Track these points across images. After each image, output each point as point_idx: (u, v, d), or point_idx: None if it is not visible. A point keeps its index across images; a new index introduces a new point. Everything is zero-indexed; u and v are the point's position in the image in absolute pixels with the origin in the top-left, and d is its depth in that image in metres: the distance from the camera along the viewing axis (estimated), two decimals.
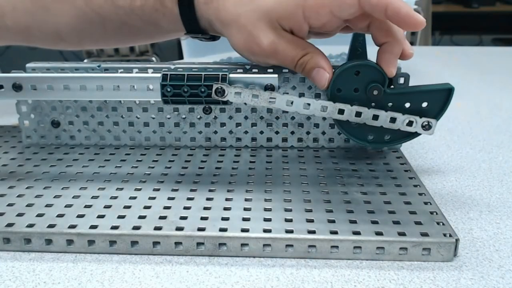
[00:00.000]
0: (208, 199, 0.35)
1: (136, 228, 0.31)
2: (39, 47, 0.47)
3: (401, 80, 0.41)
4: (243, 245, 0.31)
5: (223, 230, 0.31)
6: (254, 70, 0.41)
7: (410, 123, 0.38)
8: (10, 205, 0.34)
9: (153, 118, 0.44)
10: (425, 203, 0.35)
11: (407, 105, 0.39)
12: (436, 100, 0.38)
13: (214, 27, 0.39)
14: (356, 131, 0.40)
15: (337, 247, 0.31)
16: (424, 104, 0.39)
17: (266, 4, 0.36)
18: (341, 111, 0.38)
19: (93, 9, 0.42)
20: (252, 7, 0.37)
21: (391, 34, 0.36)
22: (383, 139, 0.40)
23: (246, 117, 0.44)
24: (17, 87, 0.40)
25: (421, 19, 0.34)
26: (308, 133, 0.44)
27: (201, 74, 0.38)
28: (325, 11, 0.35)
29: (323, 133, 0.44)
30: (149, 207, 0.34)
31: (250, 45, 0.37)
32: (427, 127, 0.39)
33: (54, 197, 0.36)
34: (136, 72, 0.42)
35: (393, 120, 0.38)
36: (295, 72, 0.39)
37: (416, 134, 0.40)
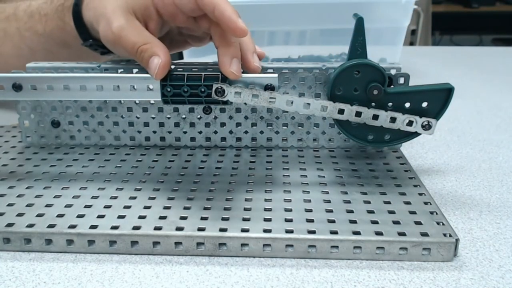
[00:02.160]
0: (208, 199, 0.35)
1: (136, 228, 0.31)
2: None
3: (401, 80, 0.41)
4: (243, 245, 0.31)
5: (223, 230, 0.31)
6: None
7: (410, 123, 0.38)
8: (10, 205, 0.34)
9: (153, 118, 0.44)
10: (425, 203, 0.35)
11: (407, 105, 0.39)
12: (436, 100, 0.38)
13: (95, 26, 0.41)
14: (356, 131, 0.40)
15: (337, 247, 0.31)
16: (424, 104, 0.39)
17: None
18: (341, 111, 0.38)
19: (25, 44, 0.48)
20: None
21: (224, 39, 0.38)
22: (383, 139, 0.40)
23: (246, 117, 0.44)
24: (17, 87, 0.39)
25: (241, 26, 0.35)
26: (308, 133, 0.44)
27: (201, 74, 0.38)
28: (169, 1, 0.39)
29: (323, 133, 0.44)
30: (149, 207, 0.34)
31: (106, 33, 0.39)
32: (427, 127, 0.38)
33: (54, 197, 0.36)
34: (136, 72, 0.42)
35: (393, 120, 0.38)
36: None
37: (416, 134, 0.40)
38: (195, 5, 0.37)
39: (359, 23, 0.37)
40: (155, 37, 0.39)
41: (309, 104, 0.38)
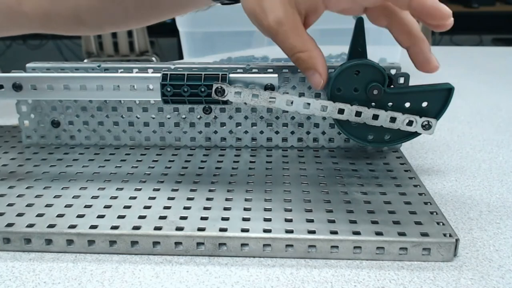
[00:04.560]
0: (208, 199, 0.35)
1: (136, 228, 0.31)
2: (57, 33, 0.46)
3: (401, 80, 0.41)
4: (243, 245, 0.31)
5: (223, 230, 0.31)
6: (254, 70, 0.41)
7: (410, 123, 0.38)
8: (10, 205, 0.34)
9: (153, 118, 0.44)
10: (425, 203, 0.35)
11: (407, 104, 0.39)
12: (436, 99, 0.38)
13: None
14: (355, 130, 0.40)
15: (337, 247, 0.31)
16: (424, 104, 0.39)
17: None
18: (341, 111, 0.38)
19: None
20: None
21: (413, 35, 0.35)
22: (383, 138, 0.40)
23: (246, 117, 0.44)
24: (17, 87, 0.40)
25: (447, 10, 0.32)
26: (308, 133, 0.44)
27: (201, 74, 0.38)
28: None
29: (323, 133, 0.44)
30: (149, 207, 0.34)
31: (257, 12, 0.35)
32: (427, 127, 0.38)
33: (54, 197, 0.36)
34: (136, 72, 0.42)
35: (393, 119, 0.38)
36: (294, 66, 0.38)
37: (416, 134, 0.40)
38: (380, 0, 0.34)
39: (359, 23, 0.37)
40: (313, 41, 0.36)
41: (309, 104, 0.38)
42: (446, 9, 0.33)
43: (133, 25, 0.47)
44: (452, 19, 0.33)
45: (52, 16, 0.43)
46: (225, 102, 0.39)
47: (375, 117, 0.38)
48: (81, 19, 0.42)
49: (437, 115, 0.39)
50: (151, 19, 0.46)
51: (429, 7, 0.32)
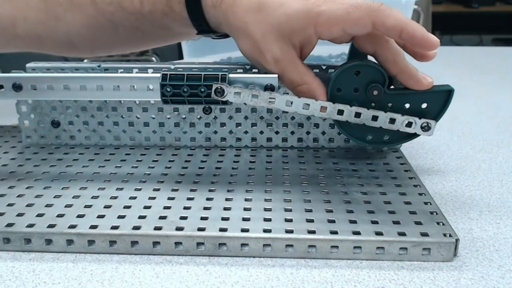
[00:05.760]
0: (208, 199, 0.35)
1: (136, 228, 0.31)
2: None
3: None
4: (243, 245, 0.31)
5: (223, 230, 0.31)
6: (254, 70, 0.41)
7: (409, 124, 0.38)
8: (10, 205, 0.34)
9: (153, 118, 0.44)
10: (425, 203, 0.35)
11: (407, 105, 0.39)
12: (436, 101, 0.38)
13: (223, 29, 0.39)
14: (355, 131, 0.40)
15: (337, 247, 0.31)
16: (424, 105, 0.39)
17: (276, 17, 0.36)
18: (340, 112, 0.38)
19: (105, 16, 0.41)
20: (262, 18, 0.36)
21: (398, 63, 0.36)
22: (382, 139, 0.40)
23: (246, 117, 0.44)
24: (17, 87, 0.39)
25: (435, 40, 0.34)
26: (308, 133, 0.44)
27: (201, 74, 0.38)
28: (337, 29, 0.35)
29: (323, 133, 0.44)
30: (149, 207, 0.34)
31: (255, 54, 0.37)
32: (426, 128, 0.38)
33: (54, 197, 0.36)
34: (136, 72, 0.42)
35: (392, 121, 0.38)
36: None
37: (415, 135, 0.40)
38: (370, 30, 0.35)
39: None
40: (310, 72, 0.37)
41: (308, 104, 0.38)
42: (435, 39, 0.34)
43: (127, 50, 0.48)
44: (438, 45, 0.34)
45: (45, 40, 0.44)
46: (225, 103, 0.39)
47: (375, 118, 0.38)
48: (73, 44, 0.44)
49: (437, 116, 0.39)
50: (143, 47, 0.47)
51: (419, 38, 0.34)
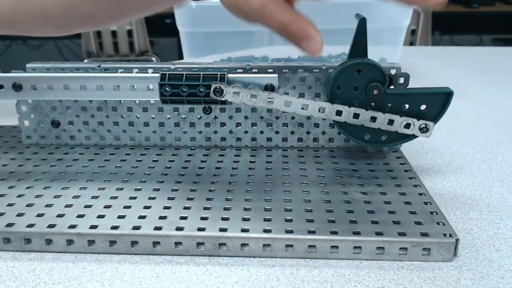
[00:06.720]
0: (208, 199, 0.35)
1: (136, 228, 0.31)
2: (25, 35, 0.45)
3: (401, 80, 0.41)
4: (243, 245, 0.31)
5: (223, 230, 0.31)
6: (254, 70, 0.41)
7: (407, 126, 0.38)
8: (10, 205, 0.34)
9: (153, 118, 0.44)
10: (425, 203, 0.35)
11: (406, 106, 0.39)
12: (435, 103, 0.38)
13: None
14: (353, 130, 0.40)
15: (337, 247, 0.31)
16: (423, 107, 0.39)
17: None
18: (339, 113, 0.38)
19: None
20: None
21: None
22: (380, 139, 0.40)
23: (246, 117, 0.44)
24: (17, 87, 0.40)
25: None
26: (308, 133, 0.44)
27: (200, 74, 0.38)
28: None
29: (323, 133, 0.44)
30: (149, 207, 0.34)
31: (239, 3, 0.34)
32: (424, 130, 0.39)
33: (54, 197, 0.36)
34: (136, 72, 0.42)
35: (390, 122, 0.38)
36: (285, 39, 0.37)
37: (413, 136, 0.40)
38: None
39: (362, 23, 0.37)
40: (299, 13, 0.34)
41: (307, 105, 0.38)
42: None
43: (103, 23, 0.46)
44: None
45: (19, 14, 0.42)
46: (224, 102, 0.39)
47: (373, 119, 0.38)
48: (48, 16, 0.42)
49: (435, 118, 0.39)
50: (121, 18, 0.45)
51: None
